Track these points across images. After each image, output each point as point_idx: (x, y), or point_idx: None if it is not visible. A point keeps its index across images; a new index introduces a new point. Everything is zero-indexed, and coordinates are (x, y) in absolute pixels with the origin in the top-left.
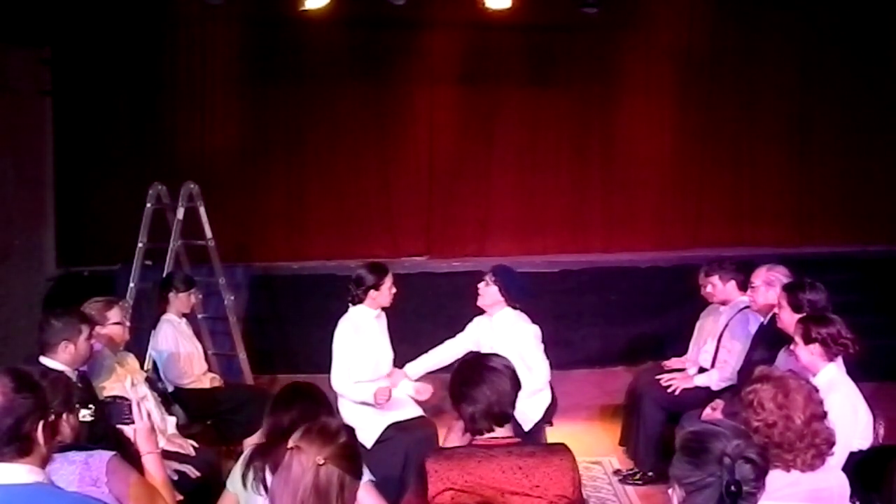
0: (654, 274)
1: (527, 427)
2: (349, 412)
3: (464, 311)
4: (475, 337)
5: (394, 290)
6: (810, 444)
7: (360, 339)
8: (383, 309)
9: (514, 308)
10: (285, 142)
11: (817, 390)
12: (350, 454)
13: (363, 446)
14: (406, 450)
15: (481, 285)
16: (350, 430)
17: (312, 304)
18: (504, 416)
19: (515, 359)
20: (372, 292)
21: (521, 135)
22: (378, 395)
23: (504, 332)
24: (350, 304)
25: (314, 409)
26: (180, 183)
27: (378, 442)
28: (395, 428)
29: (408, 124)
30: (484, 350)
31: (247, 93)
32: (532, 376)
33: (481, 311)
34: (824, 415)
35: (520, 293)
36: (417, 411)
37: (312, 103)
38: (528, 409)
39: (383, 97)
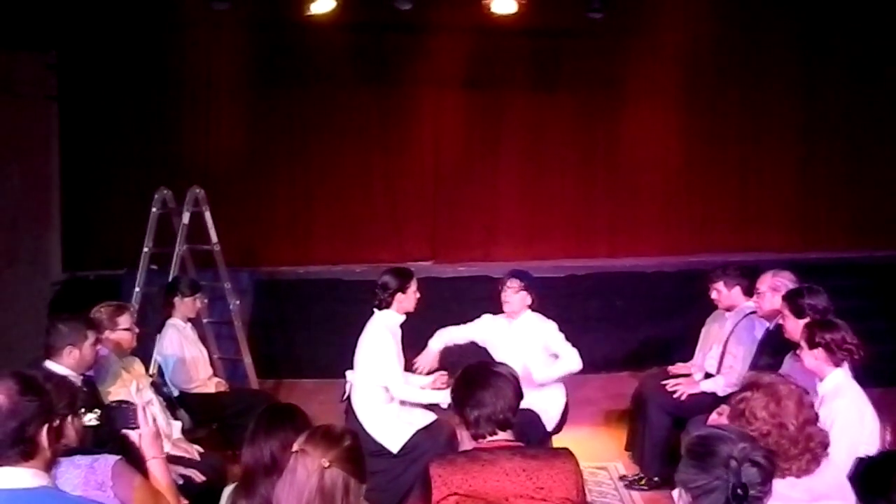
0: (659, 279)
1: (550, 426)
2: (374, 420)
3: (469, 315)
4: (484, 336)
5: (418, 294)
6: (805, 448)
7: (395, 343)
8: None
9: (534, 310)
10: (291, 146)
11: (807, 392)
12: (355, 457)
13: (389, 452)
14: (435, 453)
15: (508, 293)
16: (354, 434)
17: (318, 308)
18: (506, 422)
19: (537, 357)
20: (399, 296)
21: (526, 139)
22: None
23: (527, 334)
24: (376, 310)
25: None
26: (186, 187)
27: (405, 447)
28: (421, 433)
29: (413, 129)
30: (496, 351)
31: (252, 97)
32: (566, 361)
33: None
34: (817, 417)
35: (539, 294)
36: (433, 415)
37: (318, 108)
38: (550, 407)
39: (389, 102)
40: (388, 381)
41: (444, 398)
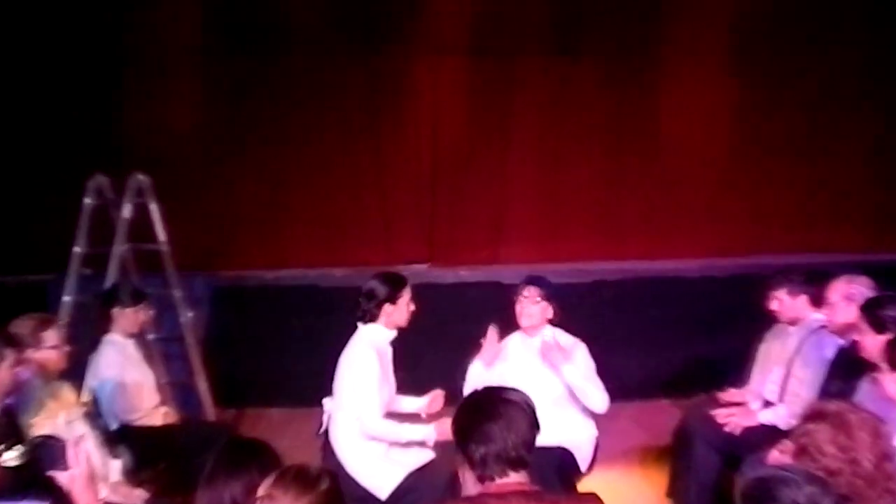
0: (707, 285)
1: (584, 467)
2: (357, 459)
3: (473, 329)
4: (499, 370)
5: (412, 306)
6: (884, 489)
7: (381, 367)
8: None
9: (555, 324)
10: (257, 124)
11: (883, 422)
12: (333, 503)
13: (377, 498)
14: (432, 499)
15: (526, 304)
16: (333, 476)
17: (289, 321)
18: (520, 460)
19: (561, 384)
20: (387, 307)
21: (543, 116)
22: (441, 431)
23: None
24: (360, 323)
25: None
26: (127, 174)
27: (396, 493)
28: (415, 476)
29: (407, 104)
30: (507, 374)
31: (211, 65)
32: (592, 394)
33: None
34: None
35: (561, 306)
36: (429, 454)
37: (292, 78)
38: (584, 444)
39: (377, 72)
40: (361, 410)
41: (428, 434)
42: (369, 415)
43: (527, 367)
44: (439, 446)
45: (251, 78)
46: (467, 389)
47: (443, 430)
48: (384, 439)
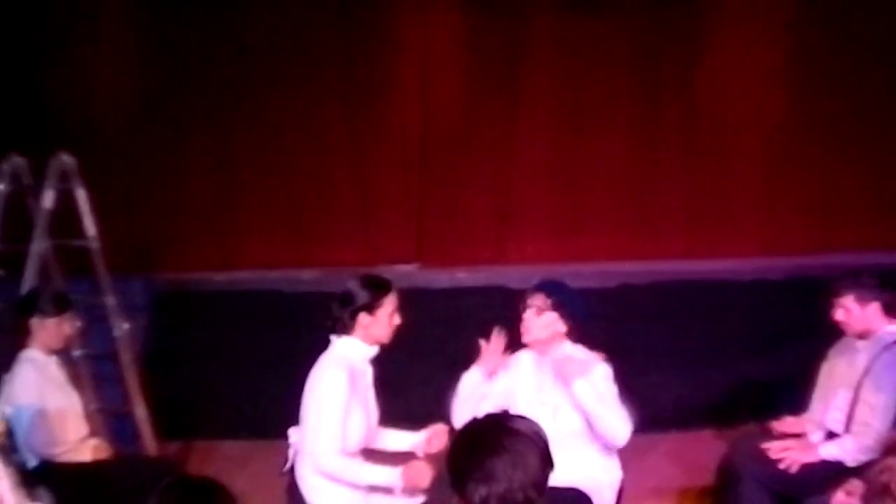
0: (758, 291)
1: None
2: (330, 502)
3: (473, 345)
4: (504, 388)
5: (397, 319)
6: None
7: (354, 390)
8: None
9: (574, 341)
10: (207, 93)
11: None
12: None
13: None
14: None
15: (529, 313)
16: None
17: (247, 334)
18: (529, 503)
19: (579, 415)
20: (362, 317)
21: (558, 84)
22: (408, 477)
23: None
24: (333, 336)
25: None
26: (48, 155)
27: None
28: None
29: (391, 70)
30: (517, 401)
31: (152, 25)
32: (611, 421)
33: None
34: None
35: (584, 316)
36: (419, 497)
37: (249, 39)
38: (605, 487)
39: (356, 31)
40: (314, 441)
41: (392, 479)
42: (324, 448)
43: (538, 393)
44: (433, 487)
45: (199, 36)
46: (459, 405)
47: (411, 475)
48: (339, 480)
